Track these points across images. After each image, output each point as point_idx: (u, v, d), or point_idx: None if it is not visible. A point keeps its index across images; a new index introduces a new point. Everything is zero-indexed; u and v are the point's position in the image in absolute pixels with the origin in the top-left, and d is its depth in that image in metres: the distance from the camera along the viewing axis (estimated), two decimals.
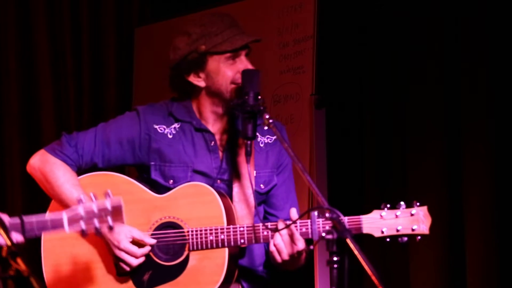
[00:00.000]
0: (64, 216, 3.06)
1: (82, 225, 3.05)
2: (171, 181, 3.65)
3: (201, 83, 3.66)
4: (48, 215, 3.09)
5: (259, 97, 3.49)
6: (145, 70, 6.10)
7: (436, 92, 4.92)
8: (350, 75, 5.28)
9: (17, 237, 3.04)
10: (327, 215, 3.04)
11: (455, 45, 4.86)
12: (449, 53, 4.88)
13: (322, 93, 5.09)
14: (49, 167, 3.66)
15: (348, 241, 2.87)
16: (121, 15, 6.22)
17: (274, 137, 3.72)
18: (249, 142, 3.52)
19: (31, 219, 3.07)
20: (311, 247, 3.40)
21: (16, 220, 3.07)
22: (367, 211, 5.13)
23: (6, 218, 3.08)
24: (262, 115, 3.43)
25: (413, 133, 4.99)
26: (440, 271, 4.82)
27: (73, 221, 3.06)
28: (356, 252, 2.88)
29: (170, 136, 3.69)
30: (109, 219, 3.05)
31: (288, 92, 5.26)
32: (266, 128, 3.47)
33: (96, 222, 3.06)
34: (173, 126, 3.71)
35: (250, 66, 3.62)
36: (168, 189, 3.64)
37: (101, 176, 3.69)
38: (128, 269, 3.57)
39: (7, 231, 2.69)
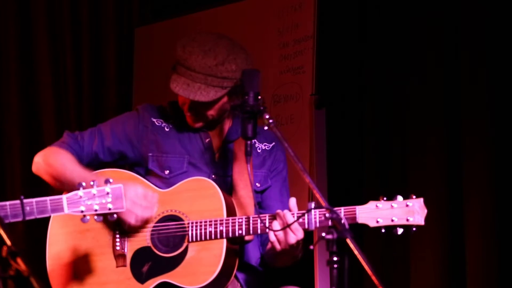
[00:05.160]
0: (64, 197, 3.18)
1: (82, 207, 3.17)
2: (167, 171, 3.72)
3: None
4: (48, 197, 3.19)
5: (259, 97, 3.51)
6: (145, 70, 6.10)
7: (436, 91, 4.92)
8: (350, 75, 5.28)
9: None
10: (327, 215, 3.04)
11: (455, 44, 4.86)
12: (449, 52, 4.88)
13: (322, 93, 5.09)
14: (53, 155, 3.75)
15: (348, 241, 2.87)
16: (121, 15, 6.22)
17: (271, 144, 3.82)
18: (249, 142, 3.54)
19: (31, 200, 3.17)
20: (311, 247, 3.41)
21: (16, 202, 3.17)
22: None
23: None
24: (262, 115, 3.44)
25: (413, 132, 4.99)
26: (440, 271, 4.82)
27: (72, 202, 3.18)
28: (356, 252, 2.88)
29: (167, 129, 3.79)
30: (109, 204, 3.18)
31: (288, 92, 5.26)
32: (266, 128, 3.48)
33: (95, 205, 3.17)
34: (170, 121, 3.81)
35: (185, 107, 3.69)
36: (163, 179, 3.70)
37: (107, 173, 3.74)
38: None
39: (7, 231, 2.69)
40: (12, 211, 3.17)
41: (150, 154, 3.74)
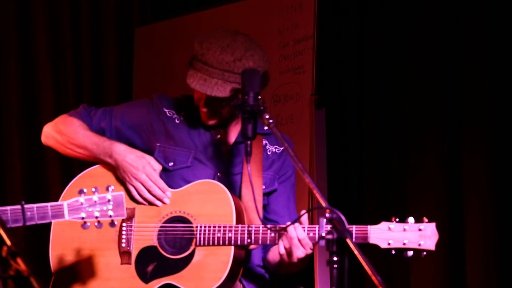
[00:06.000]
0: (65, 204, 3.18)
1: (82, 213, 3.18)
2: (171, 163, 3.71)
3: None
4: (49, 203, 3.20)
5: (259, 97, 3.50)
6: (145, 70, 6.10)
7: (436, 93, 4.92)
8: (350, 75, 5.28)
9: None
10: (327, 215, 3.04)
11: (455, 45, 4.86)
12: (449, 53, 4.88)
13: (322, 93, 5.09)
14: (63, 122, 3.81)
15: (348, 241, 2.87)
16: (121, 15, 6.22)
17: (282, 148, 3.80)
18: (249, 142, 3.54)
19: (32, 206, 3.18)
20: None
21: (17, 207, 3.18)
22: (367, 211, 5.16)
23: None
24: (262, 115, 3.44)
25: (413, 133, 4.99)
26: (440, 271, 4.82)
27: (73, 209, 3.19)
28: (356, 252, 2.88)
29: (177, 121, 3.78)
30: (110, 211, 3.18)
31: (288, 92, 5.26)
32: (266, 128, 3.48)
33: (96, 212, 3.18)
34: (182, 113, 3.80)
35: (201, 103, 3.69)
36: (166, 170, 3.70)
37: (114, 167, 3.73)
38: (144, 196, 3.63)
39: (7, 231, 2.69)
40: (13, 216, 3.18)
41: (158, 144, 3.74)
